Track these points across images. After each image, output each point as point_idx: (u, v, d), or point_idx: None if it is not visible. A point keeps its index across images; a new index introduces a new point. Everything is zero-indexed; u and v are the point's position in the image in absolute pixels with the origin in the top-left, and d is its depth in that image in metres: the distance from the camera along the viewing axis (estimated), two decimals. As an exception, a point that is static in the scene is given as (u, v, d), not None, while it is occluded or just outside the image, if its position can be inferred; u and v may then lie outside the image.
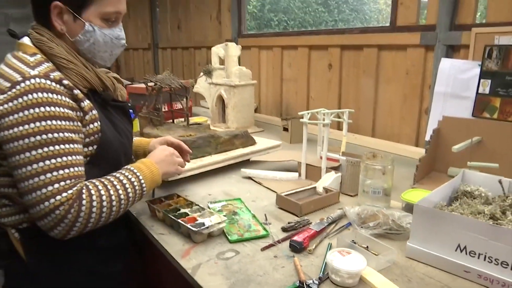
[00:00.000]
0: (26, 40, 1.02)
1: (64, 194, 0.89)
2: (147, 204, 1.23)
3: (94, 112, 1.02)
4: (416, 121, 2.03)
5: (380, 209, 1.09)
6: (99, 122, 1.03)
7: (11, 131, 0.88)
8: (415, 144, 2.05)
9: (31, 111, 0.89)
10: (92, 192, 0.93)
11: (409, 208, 1.21)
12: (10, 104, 0.88)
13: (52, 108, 0.91)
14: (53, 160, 0.90)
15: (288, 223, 1.13)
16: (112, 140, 1.07)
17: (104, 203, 0.94)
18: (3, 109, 0.89)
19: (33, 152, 0.88)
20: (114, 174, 1.02)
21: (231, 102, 2.41)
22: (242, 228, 1.11)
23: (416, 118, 2.03)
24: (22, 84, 0.90)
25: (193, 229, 1.02)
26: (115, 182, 0.99)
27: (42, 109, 0.89)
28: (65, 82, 0.96)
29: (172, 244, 1.05)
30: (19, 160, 0.89)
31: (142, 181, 1.05)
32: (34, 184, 0.88)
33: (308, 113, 1.51)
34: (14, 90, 0.89)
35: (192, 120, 2.38)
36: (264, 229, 1.11)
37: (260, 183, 1.51)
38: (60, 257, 1.02)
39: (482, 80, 1.64)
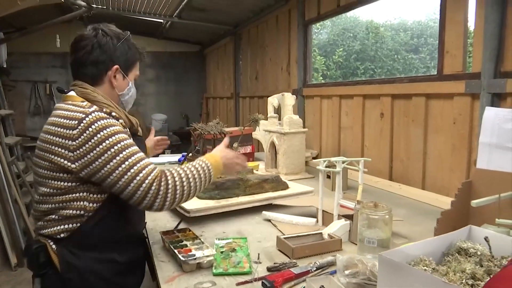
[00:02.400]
0: (72, 93, 1.32)
1: (153, 174, 1.16)
2: (160, 235, 1.39)
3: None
4: (464, 173, 1.90)
5: (362, 259, 1.08)
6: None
7: (92, 154, 1.16)
8: (464, 198, 1.89)
9: (99, 135, 1.17)
10: (173, 171, 1.22)
11: (408, 262, 1.16)
12: (83, 136, 1.17)
13: (112, 128, 1.20)
14: (133, 157, 1.18)
15: (274, 263, 1.18)
16: None
17: (184, 178, 1.21)
18: (80, 141, 1.17)
19: (114, 161, 1.16)
20: (188, 165, 1.30)
21: (282, 149, 2.53)
22: (230, 264, 1.20)
23: (465, 169, 1.90)
24: (87, 119, 1.19)
25: (182, 258, 1.15)
26: (193, 169, 1.27)
27: (105, 131, 1.18)
28: (113, 114, 1.27)
29: (164, 270, 1.18)
30: (105, 172, 1.16)
31: (211, 168, 1.31)
32: (126, 180, 1.15)
33: (324, 161, 1.56)
34: (82, 124, 1.18)
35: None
36: (250, 266, 1.18)
37: (275, 226, 1.58)
38: (86, 267, 1.22)
39: (525, 131, 1.51)
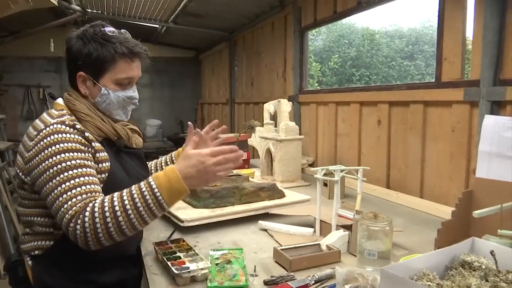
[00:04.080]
0: (59, 100, 1.28)
1: (74, 209, 1.03)
2: (153, 246, 1.34)
3: (105, 153, 1.21)
4: (463, 182, 1.87)
5: (363, 272, 1.05)
6: (108, 163, 1.20)
7: (38, 169, 1.10)
8: (463, 207, 1.87)
9: (49, 149, 1.10)
10: (96, 205, 1.03)
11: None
12: (36, 147, 1.12)
13: (65, 144, 1.11)
14: (67, 183, 1.07)
15: (271, 276, 1.14)
16: (119, 180, 1.22)
17: (107, 214, 1.01)
18: (31, 153, 1.12)
19: (54, 180, 1.07)
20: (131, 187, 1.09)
21: (277, 156, 2.49)
22: (226, 277, 1.15)
23: (464, 178, 1.87)
24: (44, 131, 1.12)
25: (175, 271, 1.10)
26: (124, 194, 1.05)
27: (57, 146, 1.10)
28: (78, 126, 1.16)
29: (157, 284, 1.13)
30: (46, 190, 1.09)
31: (156, 189, 1.04)
32: (57, 206, 1.06)
33: (322, 169, 1.52)
34: (38, 136, 1.13)
35: (242, 171, 2.51)
36: (246, 279, 1.13)
37: (272, 236, 1.53)
38: (60, 287, 1.17)
39: (525, 140, 1.49)
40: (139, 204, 1.03)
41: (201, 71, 6.90)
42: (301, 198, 1.85)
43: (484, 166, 1.72)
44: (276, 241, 1.48)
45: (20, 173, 1.17)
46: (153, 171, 1.57)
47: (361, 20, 7.54)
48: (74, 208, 1.03)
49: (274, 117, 2.76)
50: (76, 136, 1.14)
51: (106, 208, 1.02)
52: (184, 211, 1.62)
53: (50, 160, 1.09)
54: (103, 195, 1.10)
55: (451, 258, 1.05)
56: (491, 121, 1.69)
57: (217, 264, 1.24)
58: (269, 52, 4.01)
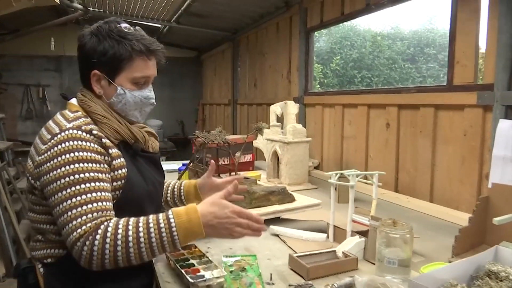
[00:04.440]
0: (73, 100, 1.24)
1: (84, 227, 0.98)
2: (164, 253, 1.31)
3: (122, 159, 1.16)
4: (475, 187, 1.85)
5: (386, 281, 1.02)
6: (125, 169, 1.16)
7: (48, 176, 1.05)
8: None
9: (63, 157, 1.05)
10: (109, 229, 0.98)
11: (430, 284, 1.10)
12: (48, 152, 1.07)
13: (80, 153, 1.06)
14: (78, 198, 1.02)
15: (289, 285, 1.11)
16: (136, 186, 1.19)
17: (119, 241, 0.97)
18: (43, 158, 1.07)
19: (64, 192, 1.03)
20: (149, 215, 1.04)
21: (285, 158, 2.46)
22: (242, 286, 1.12)
23: (476, 183, 1.84)
24: (59, 135, 1.08)
25: (190, 280, 1.06)
26: (140, 223, 1.01)
27: (72, 154, 1.05)
28: (95, 132, 1.12)
29: (171, 293, 1.10)
30: (55, 200, 1.04)
31: (174, 228, 1.00)
32: (65, 220, 1.01)
33: (336, 174, 1.49)
34: (52, 140, 1.08)
35: (247, 174, 2.48)
36: (263, 288, 1.10)
37: (284, 242, 1.50)
38: None
39: (543, 145, 1.46)
40: (153, 239, 0.99)
41: (202, 72, 6.86)
42: (311, 202, 1.82)
43: (498, 171, 1.70)
44: (290, 247, 1.45)
45: (30, 177, 1.13)
46: (169, 191, 1.52)
47: (363, 22, 7.53)
48: (84, 227, 0.99)
49: (280, 119, 2.73)
50: (93, 145, 1.10)
51: (119, 236, 0.98)
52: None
53: (63, 169, 1.04)
54: (113, 213, 1.06)
55: (476, 268, 1.03)
56: (506, 125, 1.67)
57: (231, 272, 1.20)
58: (273, 53, 3.98)
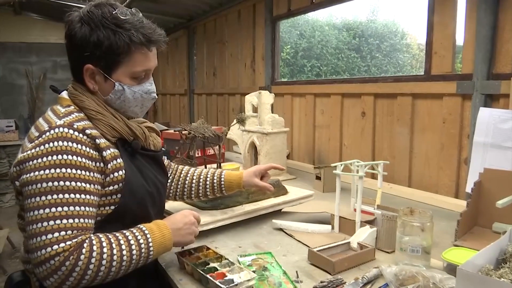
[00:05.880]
0: (64, 94, 1.10)
1: (62, 245, 0.88)
2: (177, 256, 1.21)
3: (119, 160, 1.05)
4: (455, 172, 1.95)
5: (419, 270, 1.03)
6: (123, 171, 1.05)
7: (28, 175, 0.93)
8: (454, 195, 1.95)
9: (49, 157, 0.93)
10: (94, 248, 0.91)
11: (451, 268, 1.13)
12: (33, 150, 0.94)
13: (70, 157, 0.94)
14: (59, 208, 0.91)
15: (321, 282, 1.08)
16: (136, 189, 1.08)
17: (104, 261, 0.91)
18: (26, 155, 0.94)
19: (43, 198, 0.91)
20: (123, 231, 1.00)
21: (263, 149, 2.42)
22: (272, 286, 1.07)
23: (455, 168, 1.95)
24: (47, 133, 0.95)
25: (222, 286, 0.99)
26: (121, 241, 0.96)
27: (59, 156, 0.93)
28: (88, 131, 0.99)
29: (200, 301, 1.02)
30: (29, 204, 0.92)
31: (151, 244, 1.01)
32: (36, 230, 0.89)
33: (341, 165, 1.49)
34: (40, 138, 0.95)
35: (224, 166, 2.40)
36: (295, 287, 1.06)
37: (291, 236, 1.47)
38: None
39: (525, 131, 1.57)
40: (134, 256, 0.98)
41: (151, 60, 6.55)
42: (305, 194, 1.80)
43: (478, 156, 1.81)
44: (299, 241, 1.42)
45: (15, 180, 0.99)
46: (201, 182, 1.46)
47: (311, 12, 7.65)
48: (63, 244, 0.88)
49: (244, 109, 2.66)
50: (85, 148, 0.98)
51: (105, 256, 0.92)
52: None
53: (47, 171, 0.92)
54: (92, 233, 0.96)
55: (499, 251, 1.07)
56: (486, 113, 1.77)
57: (254, 272, 1.15)
58: (235, 41, 3.89)
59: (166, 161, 1.48)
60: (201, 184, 1.45)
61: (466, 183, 1.82)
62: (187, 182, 1.46)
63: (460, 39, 1.94)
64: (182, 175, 1.48)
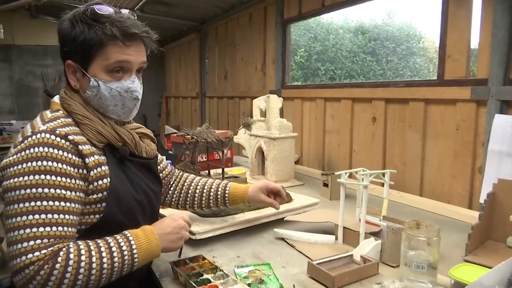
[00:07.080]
0: (56, 98, 1.08)
1: (36, 254, 0.85)
2: (171, 266, 1.18)
3: (104, 168, 1.01)
4: (468, 180, 1.87)
5: (424, 287, 0.96)
6: (108, 179, 1.01)
7: (9, 182, 0.91)
8: (468, 205, 1.87)
9: (29, 164, 0.91)
10: (71, 256, 0.88)
11: (458, 286, 1.06)
12: (15, 156, 0.93)
13: (50, 163, 0.92)
14: (36, 216, 0.88)
15: (318, 298, 1.02)
16: (123, 197, 1.04)
17: (82, 269, 0.88)
18: (8, 161, 0.93)
19: (21, 205, 0.89)
20: (106, 238, 0.97)
21: (271, 154, 2.37)
22: (267, 301, 1.02)
23: (469, 177, 1.86)
24: (29, 139, 0.94)
25: (213, 300, 0.95)
26: (102, 248, 0.93)
27: (39, 163, 0.91)
28: (71, 137, 0.96)
29: (190, 315, 0.98)
30: (8, 211, 0.90)
31: (135, 251, 0.97)
32: (13, 238, 0.87)
33: (346, 173, 1.43)
34: (22, 144, 0.94)
35: (231, 171, 2.37)
36: (291, 303, 1.01)
37: (293, 246, 1.42)
38: None
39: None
40: (116, 263, 0.94)
41: (165, 63, 6.58)
42: (310, 202, 1.75)
43: (493, 165, 1.72)
44: (301, 252, 1.37)
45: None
46: (204, 192, 1.42)
47: (325, 15, 7.56)
48: (37, 253, 0.86)
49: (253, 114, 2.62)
50: (66, 154, 0.95)
51: (83, 264, 0.89)
52: (194, 222, 1.46)
53: (27, 178, 0.90)
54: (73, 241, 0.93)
55: (510, 270, 1.00)
56: (501, 120, 1.69)
57: (249, 285, 1.10)
58: (246, 44, 3.86)
59: (169, 168, 1.45)
60: (204, 194, 1.41)
61: (480, 193, 1.74)
62: (190, 191, 1.42)
63: (475, 43, 1.86)
64: (186, 184, 1.44)
